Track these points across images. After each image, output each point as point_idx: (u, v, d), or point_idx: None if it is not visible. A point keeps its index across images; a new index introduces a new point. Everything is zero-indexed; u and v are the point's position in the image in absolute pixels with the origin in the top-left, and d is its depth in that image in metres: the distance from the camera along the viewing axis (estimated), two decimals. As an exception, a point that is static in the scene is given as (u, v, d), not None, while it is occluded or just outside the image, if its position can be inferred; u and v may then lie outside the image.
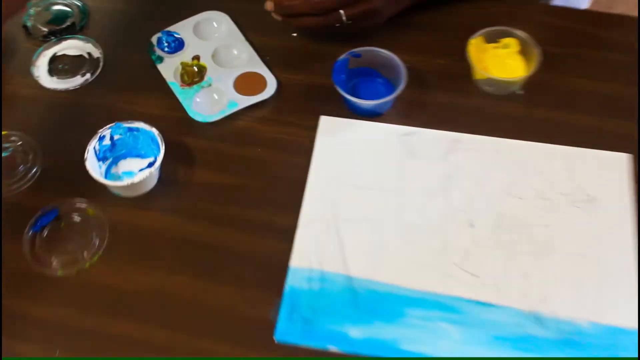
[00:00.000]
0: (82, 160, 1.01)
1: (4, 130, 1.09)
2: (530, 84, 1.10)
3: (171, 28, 1.20)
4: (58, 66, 1.18)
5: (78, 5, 1.25)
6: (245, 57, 1.16)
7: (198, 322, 0.94)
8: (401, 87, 1.06)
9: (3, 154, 1.07)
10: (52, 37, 1.20)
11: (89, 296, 0.97)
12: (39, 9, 1.25)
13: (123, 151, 1.07)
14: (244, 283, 0.97)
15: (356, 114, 1.10)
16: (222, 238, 1.00)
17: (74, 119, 1.12)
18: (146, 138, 1.05)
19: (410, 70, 1.08)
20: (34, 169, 1.07)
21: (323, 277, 0.97)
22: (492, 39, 1.12)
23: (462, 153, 1.06)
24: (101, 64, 1.17)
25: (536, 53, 1.09)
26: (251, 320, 0.94)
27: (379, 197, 1.02)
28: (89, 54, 1.19)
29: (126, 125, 1.04)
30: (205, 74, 1.14)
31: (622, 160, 1.04)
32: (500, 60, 1.12)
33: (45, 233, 1.01)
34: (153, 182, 1.04)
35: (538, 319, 0.93)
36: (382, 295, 0.95)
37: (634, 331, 0.91)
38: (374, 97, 1.09)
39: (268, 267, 0.97)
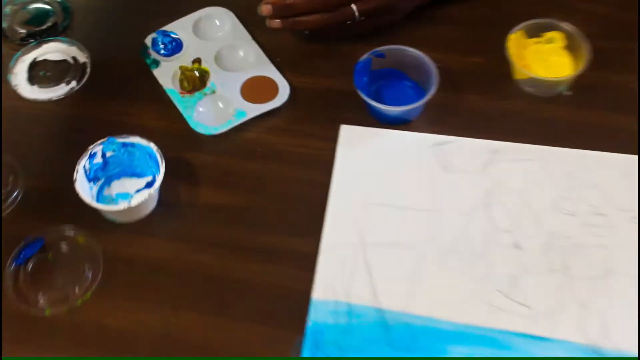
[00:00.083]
0: (70, 182, 1.00)
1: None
2: (578, 83, 1.09)
3: (167, 27, 1.19)
4: (39, 73, 1.17)
5: (60, 3, 1.24)
6: (253, 59, 1.16)
7: (209, 366, 0.93)
8: (432, 90, 1.05)
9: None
10: (31, 40, 1.20)
11: (82, 339, 0.95)
12: (15, 7, 1.24)
13: (117, 170, 1.06)
14: (260, 319, 0.95)
15: (381, 122, 1.09)
16: (233, 268, 0.99)
17: (59, 133, 1.11)
18: (143, 154, 1.03)
19: (441, 70, 1.07)
20: (15, 193, 1.05)
21: (350, 311, 0.95)
22: (534, 33, 1.11)
23: (503, 164, 1.05)
24: (88, 69, 1.17)
25: (585, 48, 1.08)
26: (270, 362, 0.92)
27: (410, 217, 1.01)
28: (74, 58, 1.18)
29: (120, 140, 1.03)
30: (207, 79, 1.14)
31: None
32: (544, 57, 1.11)
33: (29, 266, 1.00)
34: (152, 204, 1.03)
35: (598, 354, 0.91)
36: (419, 330, 0.94)
37: None
38: (401, 102, 1.08)
39: (287, 301, 0.96)
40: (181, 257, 1.00)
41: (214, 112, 1.10)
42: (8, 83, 1.14)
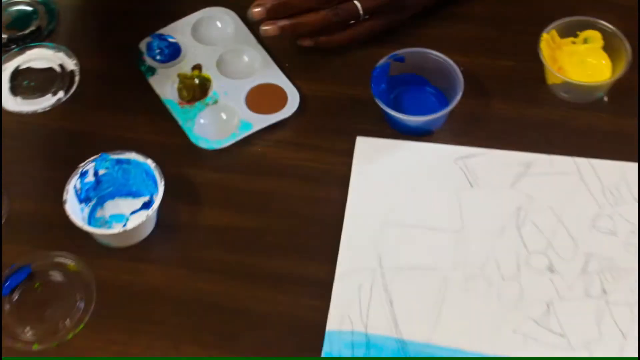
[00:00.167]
0: (59, 203, 1.01)
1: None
2: (618, 88, 1.11)
3: (164, 30, 1.21)
4: (22, 83, 1.18)
5: (44, 4, 1.25)
6: (258, 65, 1.17)
7: (215, 405, 0.94)
8: (457, 97, 1.07)
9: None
10: (13, 46, 1.21)
11: (74, 376, 0.96)
12: (-6, 9, 1.24)
13: (110, 189, 1.07)
14: (269, 352, 0.96)
15: (401, 133, 1.11)
16: (239, 296, 1.00)
17: (46, 150, 1.13)
18: (139, 172, 1.05)
19: (466, 75, 1.08)
20: (-1, 216, 1.06)
21: (369, 342, 0.97)
22: (569, 32, 1.12)
23: (536, 179, 1.06)
24: (77, 78, 1.18)
25: (625, 49, 1.09)
26: (281, 400, 0.94)
27: (434, 239, 1.03)
28: (60, 66, 1.19)
29: (114, 156, 1.04)
30: (209, 88, 1.15)
31: None
32: (580, 59, 1.12)
33: (15, 297, 1.01)
34: (150, 227, 1.04)
35: (642, 388, 0.93)
36: (444, 364, 0.95)
37: None
38: (423, 111, 1.09)
39: (299, 331, 0.97)
40: (182, 285, 1.01)
41: (217, 124, 1.12)
42: (-12, 94, 1.15)
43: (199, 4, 1.21)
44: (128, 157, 1.04)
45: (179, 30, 1.19)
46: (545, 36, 1.10)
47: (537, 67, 1.10)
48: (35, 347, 0.97)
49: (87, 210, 1.05)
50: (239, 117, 1.11)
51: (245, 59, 1.18)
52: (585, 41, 1.12)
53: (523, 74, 1.13)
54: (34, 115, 1.14)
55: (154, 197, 1.01)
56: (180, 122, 1.11)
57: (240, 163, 1.09)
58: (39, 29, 1.23)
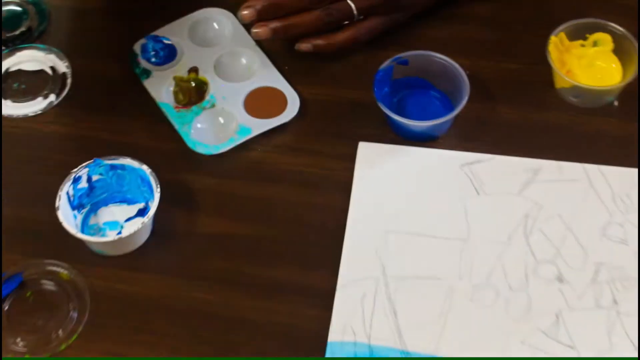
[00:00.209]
0: (51, 210, 1.02)
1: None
2: (629, 92, 1.11)
3: (159, 32, 1.21)
4: (12, 85, 1.19)
5: (35, 4, 1.26)
6: (257, 68, 1.18)
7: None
8: (463, 102, 1.08)
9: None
10: (3, 48, 1.21)
11: (67, 388, 0.97)
12: (-19, 9, 1.25)
13: (104, 196, 1.08)
14: (269, 364, 0.97)
15: (404, 138, 1.12)
16: (238, 306, 1.01)
17: (38, 155, 1.13)
18: (134, 178, 1.06)
19: (472, 78, 1.09)
20: (-13, 223, 1.06)
21: (372, 354, 0.98)
22: (578, 34, 1.13)
23: (544, 186, 1.07)
24: (69, 80, 1.19)
25: (636, 52, 1.10)
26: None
27: (439, 247, 1.04)
28: (52, 68, 1.20)
29: (108, 161, 1.05)
30: (206, 91, 1.16)
31: None
32: (590, 63, 1.13)
33: (6, 307, 1.01)
34: (145, 235, 1.05)
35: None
36: (450, 376, 0.96)
37: None
38: (427, 115, 1.10)
39: (299, 342, 0.98)
40: (178, 295, 1.02)
41: (214, 129, 1.13)
42: (-23, 97, 1.15)
43: (196, 4, 1.22)
44: (122, 163, 1.05)
45: (175, 32, 1.20)
46: (553, 38, 1.11)
47: (545, 70, 1.11)
48: (27, 358, 0.98)
49: (80, 217, 1.06)
50: (237, 122, 1.12)
51: (243, 61, 1.18)
52: (594, 44, 1.13)
53: (530, 78, 1.14)
54: (24, 119, 1.15)
55: (150, 203, 1.02)
56: (177, 126, 1.12)
57: (238, 169, 1.10)
58: (29, 29, 1.23)
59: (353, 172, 1.08)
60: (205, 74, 1.17)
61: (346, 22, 1.15)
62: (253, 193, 1.08)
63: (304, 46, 1.15)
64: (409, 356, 0.96)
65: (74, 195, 1.04)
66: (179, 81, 1.16)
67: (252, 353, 0.97)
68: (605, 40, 1.13)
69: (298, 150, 1.11)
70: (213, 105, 1.14)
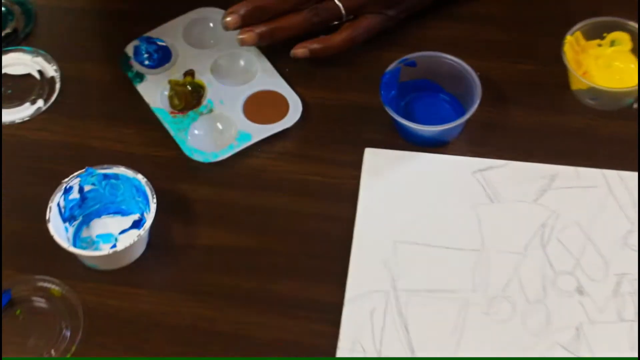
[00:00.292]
0: (42, 222, 1.01)
1: None
2: (648, 94, 1.11)
3: (152, 33, 1.21)
4: (-2, 90, 1.18)
5: (20, 4, 1.25)
6: (257, 70, 1.17)
7: None
8: (475, 105, 1.07)
9: None
10: None
11: (61, 411, 0.97)
12: (-36, 11, 1.24)
13: (97, 207, 1.08)
14: (273, 383, 0.97)
15: (413, 144, 1.11)
16: (240, 322, 1.00)
17: (26, 164, 1.13)
18: (129, 188, 1.05)
19: (483, 80, 1.09)
20: (-26, 236, 1.06)
21: (382, 371, 0.96)
22: (595, 34, 1.13)
23: (561, 192, 1.07)
24: (58, 85, 1.18)
25: (657, 51, 1.09)
26: None
27: (451, 258, 1.03)
28: (39, 72, 1.20)
29: (100, 170, 1.05)
30: (203, 95, 1.16)
31: None
32: (607, 63, 1.13)
33: None
34: (141, 248, 1.05)
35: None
36: (465, 394, 0.95)
37: None
38: (437, 120, 1.10)
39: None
40: (176, 311, 1.01)
41: (212, 135, 1.12)
42: (-39, 103, 1.15)
43: (191, 4, 1.22)
44: (116, 172, 1.04)
45: (169, 33, 1.20)
46: (569, 38, 1.11)
47: (560, 71, 1.11)
48: (18, 380, 0.96)
49: (72, 229, 1.05)
50: (236, 127, 1.12)
51: (242, 63, 1.18)
52: (612, 44, 1.13)
53: (545, 79, 1.14)
54: (11, 126, 1.15)
55: (145, 215, 1.02)
56: (173, 133, 1.11)
57: (238, 177, 1.10)
58: (15, 31, 1.23)
59: (359, 179, 1.08)
60: (202, 77, 1.16)
61: (336, 22, 1.14)
62: (254, 203, 1.08)
63: (300, 52, 1.14)
64: (422, 374, 0.95)
65: (65, 207, 1.03)
66: (174, 85, 1.16)
67: (258, 371, 0.96)
68: (623, 39, 1.13)
69: (301, 157, 1.11)
70: (211, 110, 1.14)
